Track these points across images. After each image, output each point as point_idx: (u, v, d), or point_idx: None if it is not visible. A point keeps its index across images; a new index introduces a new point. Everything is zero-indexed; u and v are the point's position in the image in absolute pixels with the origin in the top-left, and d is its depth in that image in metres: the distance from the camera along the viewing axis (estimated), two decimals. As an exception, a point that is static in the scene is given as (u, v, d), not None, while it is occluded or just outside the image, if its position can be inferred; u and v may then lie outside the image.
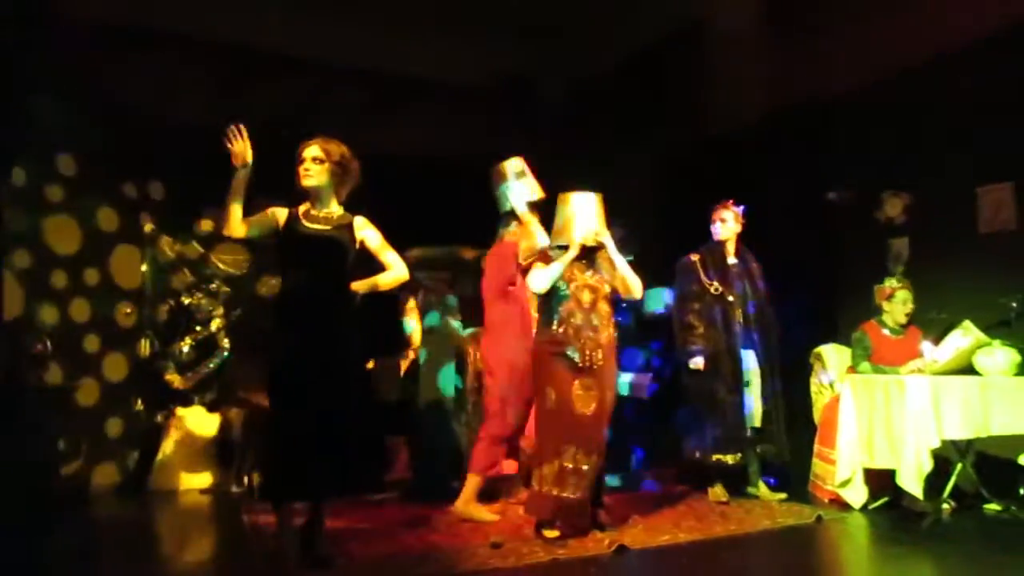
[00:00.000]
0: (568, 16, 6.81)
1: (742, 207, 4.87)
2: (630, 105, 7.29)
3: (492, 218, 7.14)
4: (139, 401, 5.61)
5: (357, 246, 3.41)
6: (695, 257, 4.88)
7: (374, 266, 3.49)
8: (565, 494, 3.62)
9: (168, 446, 5.29)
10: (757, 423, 4.69)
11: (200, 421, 5.44)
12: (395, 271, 3.47)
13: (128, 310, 5.67)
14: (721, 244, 4.87)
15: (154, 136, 5.80)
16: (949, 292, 4.82)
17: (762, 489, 4.73)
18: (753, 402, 4.71)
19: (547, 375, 3.76)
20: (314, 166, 3.32)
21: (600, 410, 3.74)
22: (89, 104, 5.48)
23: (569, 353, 3.72)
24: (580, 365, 3.71)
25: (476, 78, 7.23)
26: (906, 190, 5.27)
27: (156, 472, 5.24)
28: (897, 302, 4.68)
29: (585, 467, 3.66)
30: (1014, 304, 4.36)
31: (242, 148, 3.17)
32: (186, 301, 5.73)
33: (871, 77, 5.42)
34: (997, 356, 4.25)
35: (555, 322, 3.79)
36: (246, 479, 5.25)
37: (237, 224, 3.22)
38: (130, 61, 5.66)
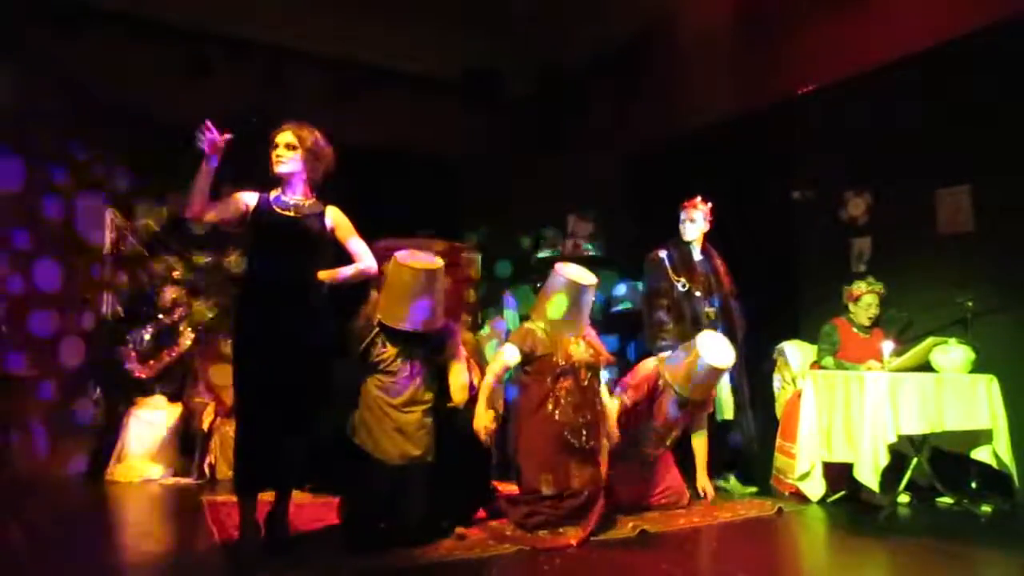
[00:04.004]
0: (540, 10, 6.82)
1: (710, 204, 4.93)
2: (601, 100, 7.32)
3: (458, 210, 7.17)
4: (98, 389, 5.50)
5: (328, 235, 3.37)
6: (663, 253, 4.92)
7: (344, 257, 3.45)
8: None
9: (128, 435, 5.19)
10: (728, 415, 4.76)
11: (161, 410, 5.35)
12: (363, 263, 3.43)
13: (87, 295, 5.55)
14: (688, 241, 4.92)
15: (113, 120, 5.68)
16: (909, 291, 4.94)
17: (732, 482, 4.80)
18: (724, 395, 4.78)
19: None
20: (287, 152, 3.28)
21: None
22: (48, 86, 5.35)
23: None
24: None
25: (446, 69, 7.19)
26: (869, 190, 5.38)
27: (115, 461, 5.15)
28: (862, 306, 4.77)
29: None
30: (970, 303, 4.47)
31: (215, 140, 3.06)
32: (148, 288, 5.62)
33: (836, 78, 5.50)
34: (953, 354, 4.35)
35: None
36: (207, 469, 5.18)
37: (201, 208, 3.14)
38: (88, 42, 5.54)
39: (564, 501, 3.59)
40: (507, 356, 3.80)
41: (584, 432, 3.72)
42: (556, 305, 3.82)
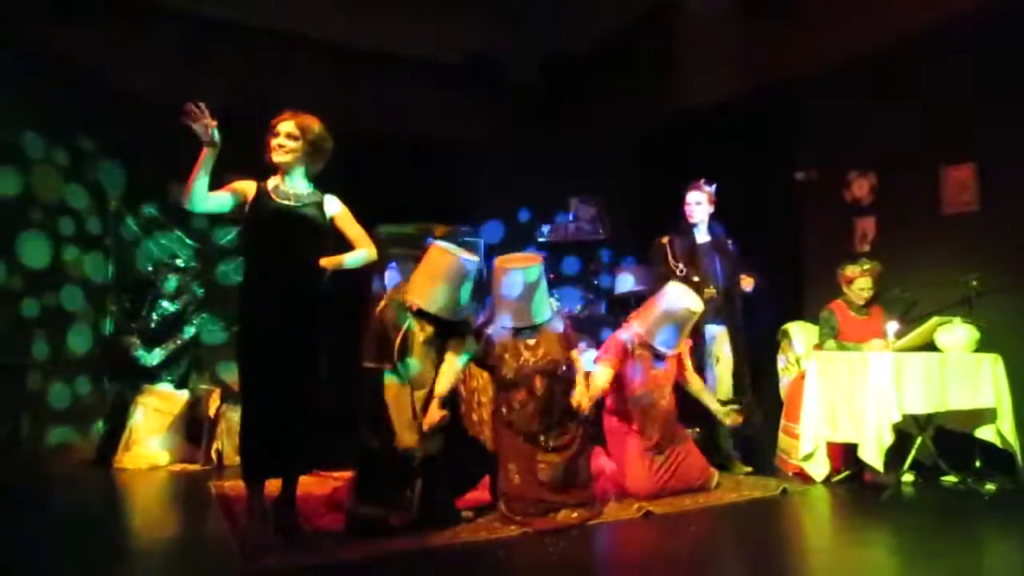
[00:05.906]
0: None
1: (713, 185, 4.91)
2: (603, 84, 7.28)
3: (460, 195, 7.16)
4: (105, 376, 5.53)
5: (328, 224, 3.37)
6: (664, 240, 4.92)
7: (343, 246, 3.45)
8: None
9: (135, 422, 5.22)
10: (727, 395, 4.77)
11: (168, 397, 5.38)
12: (363, 250, 3.42)
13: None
14: (692, 225, 4.90)
15: (114, 108, 5.68)
16: (913, 271, 4.92)
17: (733, 462, 4.81)
18: (723, 376, 4.79)
19: None
20: (288, 142, 3.26)
21: None
22: (45, 73, 5.33)
23: None
24: None
25: (448, 55, 7.15)
26: (873, 170, 5.35)
27: (122, 448, 5.18)
28: (855, 288, 4.75)
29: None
30: (974, 283, 4.46)
31: (205, 126, 2.97)
32: (152, 276, 5.63)
33: (840, 59, 5.46)
34: (957, 333, 4.34)
35: None
36: (214, 455, 5.22)
37: (199, 198, 3.11)
38: (87, 29, 5.51)
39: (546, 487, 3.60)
40: (459, 364, 3.66)
41: (545, 435, 3.68)
42: (501, 301, 3.75)
